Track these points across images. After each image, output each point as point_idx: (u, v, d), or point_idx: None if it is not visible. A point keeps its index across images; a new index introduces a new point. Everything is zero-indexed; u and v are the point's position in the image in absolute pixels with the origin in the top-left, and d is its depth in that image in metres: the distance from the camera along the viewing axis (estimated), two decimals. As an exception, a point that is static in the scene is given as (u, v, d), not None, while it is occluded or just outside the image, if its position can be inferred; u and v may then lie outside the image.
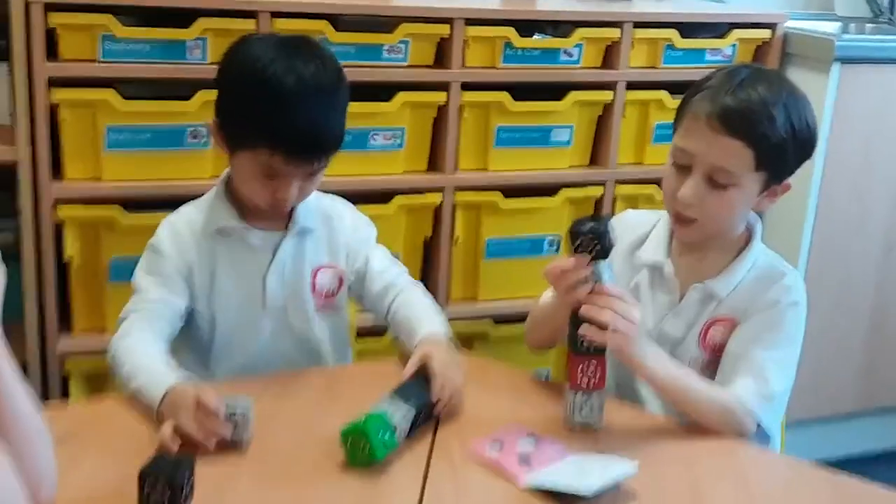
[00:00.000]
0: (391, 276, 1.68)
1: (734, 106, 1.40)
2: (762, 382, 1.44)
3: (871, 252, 2.68)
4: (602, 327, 1.33)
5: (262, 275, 1.61)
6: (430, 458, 1.33)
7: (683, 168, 1.45)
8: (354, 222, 1.70)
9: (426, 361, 1.43)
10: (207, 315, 1.61)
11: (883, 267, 2.70)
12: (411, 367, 1.44)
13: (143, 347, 1.47)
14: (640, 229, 1.61)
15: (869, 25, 3.11)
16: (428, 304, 1.66)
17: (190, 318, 1.62)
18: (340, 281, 1.68)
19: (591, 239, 1.33)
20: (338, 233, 1.67)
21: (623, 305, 1.34)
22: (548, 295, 1.55)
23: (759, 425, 1.43)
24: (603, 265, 1.35)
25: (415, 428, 1.35)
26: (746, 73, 1.45)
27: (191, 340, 1.63)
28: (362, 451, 1.26)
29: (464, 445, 1.35)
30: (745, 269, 1.51)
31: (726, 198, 1.44)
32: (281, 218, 1.60)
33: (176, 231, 1.60)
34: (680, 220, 1.48)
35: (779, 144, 1.41)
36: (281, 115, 1.45)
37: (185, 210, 1.64)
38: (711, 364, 1.53)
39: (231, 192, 1.60)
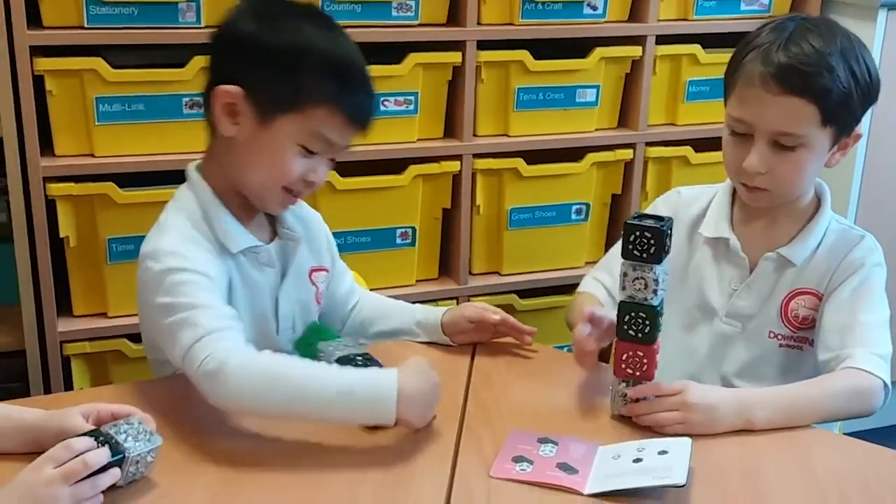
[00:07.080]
0: (350, 278, 1.62)
1: (789, 62, 1.34)
2: (873, 345, 1.37)
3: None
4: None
5: (273, 294, 1.43)
6: (450, 491, 1.15)
7: (743, 136, 1.39)
8: (320, 220, 1.57)
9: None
10: None
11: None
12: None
13: (294, 363, 1.26)
14: (697, 205, 1.55)
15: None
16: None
17: None
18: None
19: (648, 238, 1.22)
20: (315, 234, 1.53)
21: (664, 401, 1.27)
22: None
23: (885, 384, 1.34)
24: (657, 271, 1.23)
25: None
26: (795, 25, 1.38)
27: None
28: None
29: (487, 461, 1.20)
30: (818, 234, 1.46)
31: (795, 159, 1.37)
32: (270, 221, 1.45)
33: (192, 240, 1.33)
34: (749, 189, 1.42)
35: (843, 95, 1.35)
36: (348, 74, 1.35)
37: (182, 217, 1.36)
38: (797, 340, 1.46)
39: (220, 196, 1.37)
